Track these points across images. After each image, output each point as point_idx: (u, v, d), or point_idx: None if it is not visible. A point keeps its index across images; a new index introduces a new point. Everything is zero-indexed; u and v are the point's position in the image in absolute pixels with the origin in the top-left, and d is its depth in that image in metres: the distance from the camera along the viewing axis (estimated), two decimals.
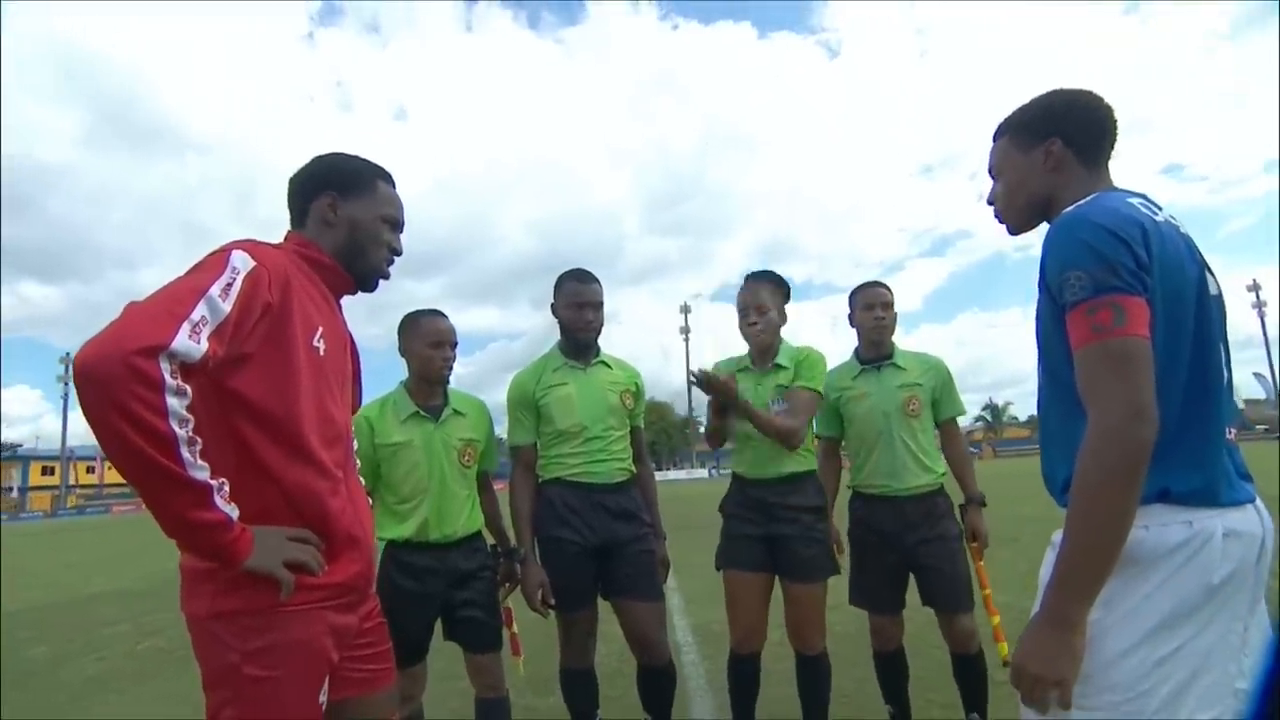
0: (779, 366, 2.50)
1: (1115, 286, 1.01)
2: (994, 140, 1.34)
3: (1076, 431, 1.03)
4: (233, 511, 1.13)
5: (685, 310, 54.30)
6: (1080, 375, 1.04)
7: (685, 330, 53.81)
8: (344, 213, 1.42)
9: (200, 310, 1.08)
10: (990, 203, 1.35)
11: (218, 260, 1.17)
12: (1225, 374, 1.12)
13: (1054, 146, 1.23)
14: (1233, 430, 1.13)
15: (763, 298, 2.49)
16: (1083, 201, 1.12)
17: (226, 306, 1.12)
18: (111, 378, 0.99)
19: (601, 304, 2.50)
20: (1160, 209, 1.14)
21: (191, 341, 1.06)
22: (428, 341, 2.32)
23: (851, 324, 2.70)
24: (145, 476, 1.03)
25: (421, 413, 2.32)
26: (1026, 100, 1.30)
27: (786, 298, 2.60)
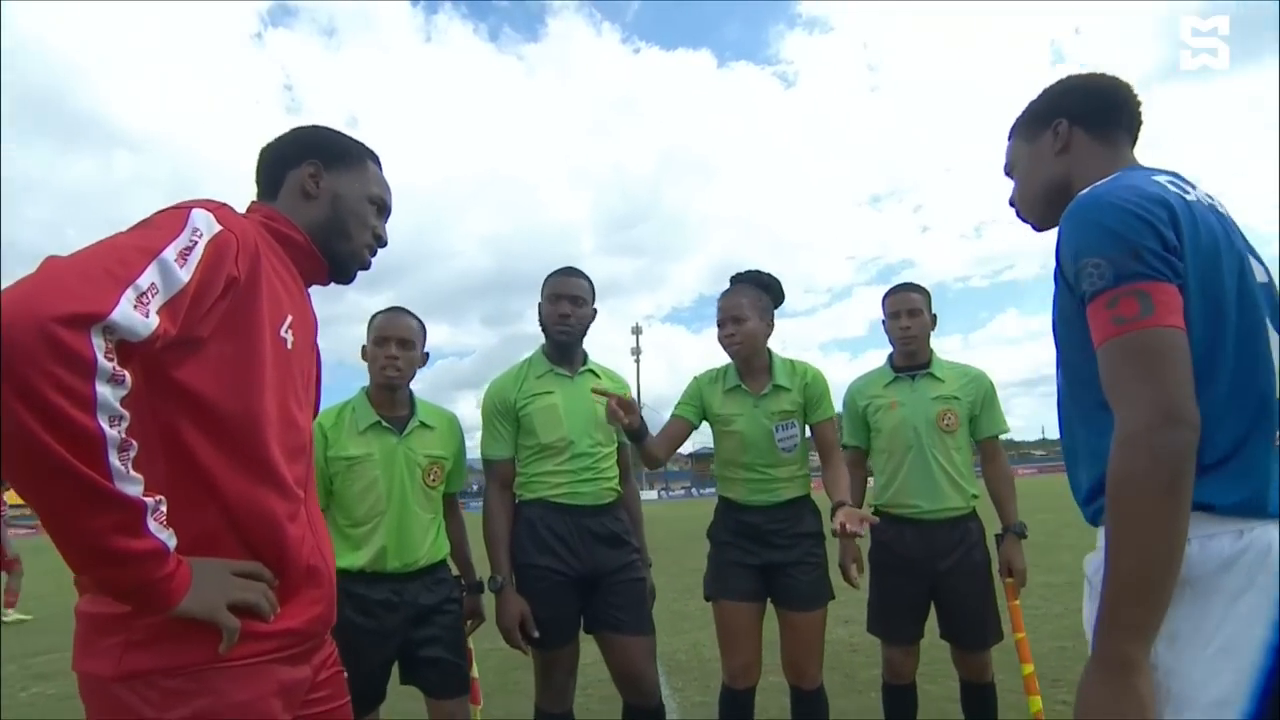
0: (779, 388, 2.29)
1: (1139, 273, 0.89)
2: (1008, 142, 1.26)
3: (1100, 436, 0.91)
4: (170, 539, 0.86)
5: (637, 331, 54.20)
6: (1103, 375, 0.91)
7: (637, 351, 53.71)
8: (327, 184, 1.19)
9: (150, 275, 0.83)
10: (1011, 204, 1.26)
11: (175, 217, 0.92)
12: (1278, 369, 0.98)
13: (1060, 126, 1.15)
14: None
15: (741, 306, 2.24)
16: (1101, 182, 1.01)
17: (184, 275, 0.87)
18: (19, 350, 0.71)
19: (581, 299, 2.24)
20: (1193, 187, 1.02)
21: (137, 314, 0.80)
22: (372, 337, 2.09)
23: (886, 331, 2.51)
24: (54, 488, 0.76)
25: (383, 423, 2.06)
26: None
27: (777, 301, 2.34)
